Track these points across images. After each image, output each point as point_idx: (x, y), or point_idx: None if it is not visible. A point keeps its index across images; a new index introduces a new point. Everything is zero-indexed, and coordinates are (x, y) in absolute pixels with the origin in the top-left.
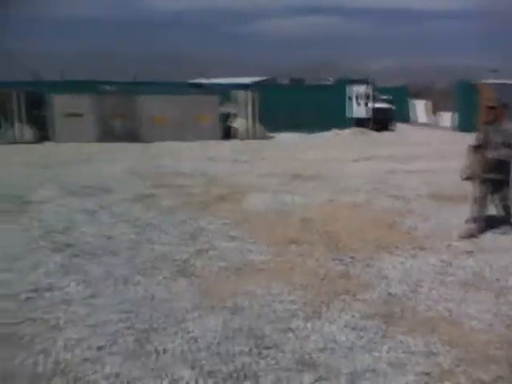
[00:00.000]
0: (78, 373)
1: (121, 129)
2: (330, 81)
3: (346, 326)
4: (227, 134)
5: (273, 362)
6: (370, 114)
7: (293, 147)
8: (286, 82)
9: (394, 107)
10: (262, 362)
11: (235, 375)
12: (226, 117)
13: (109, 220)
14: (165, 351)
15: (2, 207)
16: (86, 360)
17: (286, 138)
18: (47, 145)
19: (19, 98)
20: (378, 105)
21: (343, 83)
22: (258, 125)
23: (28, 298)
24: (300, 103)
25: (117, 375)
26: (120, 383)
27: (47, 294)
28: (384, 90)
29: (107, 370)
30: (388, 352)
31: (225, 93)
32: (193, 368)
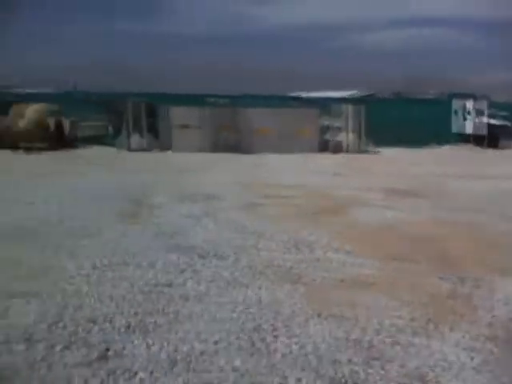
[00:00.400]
0: (198, 364)
1: (227, 140)
2: (431, 94)
3: (456, 346)
4: (326, 147)
5: (382, 372)
6: (482, 130)
7: (398, 162)
8: (385, 95)
9: (509, 124)
10: (371, 371)
11: (343, 381)
12: (325, 130)
13: (216, 226)
14: (275, 351)
15: (122, 210)
16: (203, 353)
17: (390, 152)
18: (162, 154)
19: (136, 108)
20: (490, 121)
21: (449, 97)
22: (361, 139)
23: (150, 292)
24: (403, 117)
25: (234, 369)
26: (236, 377)
27: (166, 290)
28: (498, 105)
29: (221, 363)
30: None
31: (324, 106)
32: (303, 369)
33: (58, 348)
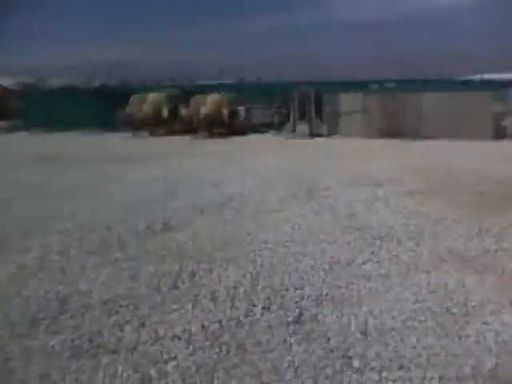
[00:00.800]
0: (389, 339)
1: (393, 126)
2: None
3: None
4: (502, 134)
5: None
6: None
7: None
8: None
9: None
10: None
11: None
12: (501, 115)
13: (389, 210)
14: (467, 336)
15: (295, 192)
16: (393, 329)
17: None
18: (327, 140)
19: (303, 96)
20: None
21: None
22: None
23: (331, 268)
24: None
25: (426, 348)
26: (428, 355)
27: (347, 268)
28: None
29: (413, 340)
30: None
31: (497, 90)
32: (497, 357)
33: (258, 308)
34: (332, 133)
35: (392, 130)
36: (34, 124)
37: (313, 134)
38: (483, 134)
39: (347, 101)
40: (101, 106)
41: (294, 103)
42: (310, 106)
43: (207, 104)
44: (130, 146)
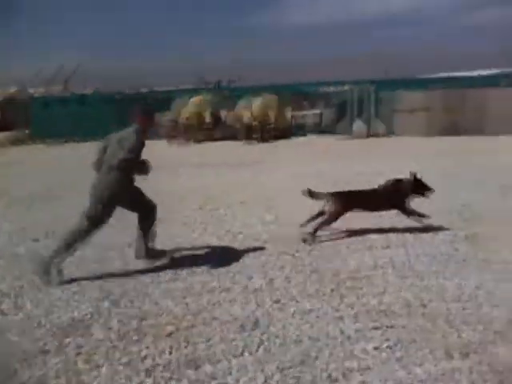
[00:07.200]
0: None
1: (456, 122)
2: None
3: None
4: None
5: None
6: None
7: None
8: None
9: None
10: None
11: None
12: None
13: None
14: None
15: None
16: None
17: None
18: (390, 139)
19: (360, 94)
20: None
21: None
22: None
23: None
24: None
25: None
26: None
27: None
28: None
29: None
30: None
31: None
32: None
33: None
34: (390, 132)
35: (455, 128)
36: (42, 135)
37: (369, 134)
38: None
39: (406, 98)
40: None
41: (352, 102)
42: (369, 104)
43: (254, 108)
44: (202, 153)
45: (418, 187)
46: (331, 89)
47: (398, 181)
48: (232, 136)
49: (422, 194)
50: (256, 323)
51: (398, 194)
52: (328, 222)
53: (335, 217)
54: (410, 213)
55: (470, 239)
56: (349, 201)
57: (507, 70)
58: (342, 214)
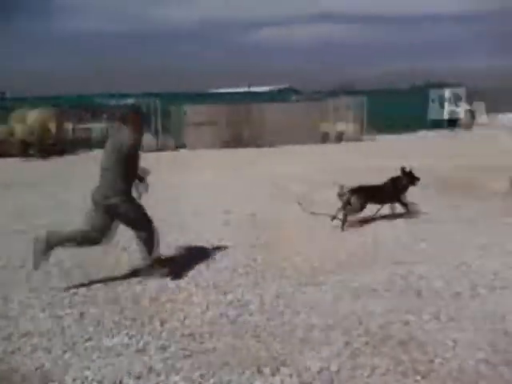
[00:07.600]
0: None
1: (243, 135)
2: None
3: None
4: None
5: None
6: (457, 115)
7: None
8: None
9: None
10: None
11: None
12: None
13: None
14: None
15: None
16: None
17: (387, 138)
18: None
19: (155, 108)
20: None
21: (423, 88)
22: (364, 128)
23: None
24: (388, 108)
25: None
26: None
27: None
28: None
29: None
30: None
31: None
32: None
33: None
34: (180, 145)
35: (246, 140)
36: None
37: (159, 148)
38: (313, 138)
39: (194, 112)
40: None
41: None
42: (156, 117)
43: (30, 121)
44: None
45: (413, 179)
46: (114, 102)
47: (399, 177)
48: (4, 152)
49: (413, 184)
50: None
51: (401, 189)
52: None
53: None
54: (405, 204)
55: None
56: None
57: (281, 86)
58: None
